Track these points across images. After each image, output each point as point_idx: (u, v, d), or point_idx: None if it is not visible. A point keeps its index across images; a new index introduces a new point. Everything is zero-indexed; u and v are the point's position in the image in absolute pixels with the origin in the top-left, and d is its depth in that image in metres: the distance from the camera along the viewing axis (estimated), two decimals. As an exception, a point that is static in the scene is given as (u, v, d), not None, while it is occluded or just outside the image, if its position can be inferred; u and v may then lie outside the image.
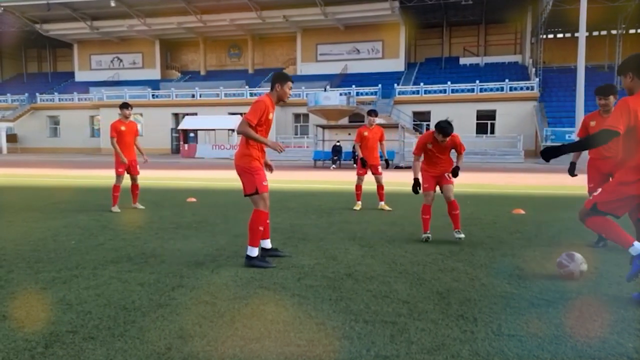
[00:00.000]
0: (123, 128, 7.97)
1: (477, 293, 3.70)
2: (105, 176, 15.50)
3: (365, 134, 8.46)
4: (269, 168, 4.86)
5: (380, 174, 8.52)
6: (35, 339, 2.78)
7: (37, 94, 52.22)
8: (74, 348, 2.68)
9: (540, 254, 4.97)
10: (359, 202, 8.53)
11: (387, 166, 8.76)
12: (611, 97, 5.34)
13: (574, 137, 24.97)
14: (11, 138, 49.20)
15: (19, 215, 7.49)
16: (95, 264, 4.47)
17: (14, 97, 52.14)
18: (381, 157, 8.59)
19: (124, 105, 8.04)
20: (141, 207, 8.28)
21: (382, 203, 8.47)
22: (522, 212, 7.92)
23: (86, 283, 3.88)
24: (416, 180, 5.80)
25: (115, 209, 7.93)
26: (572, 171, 5.99)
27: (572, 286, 3.87)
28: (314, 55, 50.75)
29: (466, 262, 4.66)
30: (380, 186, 8.51)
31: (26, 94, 52.26)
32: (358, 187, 8.61)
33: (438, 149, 5.75)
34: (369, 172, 8.57)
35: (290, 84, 4.66)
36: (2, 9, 48.65)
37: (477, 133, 39.16)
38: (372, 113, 8.42)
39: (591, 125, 5.55)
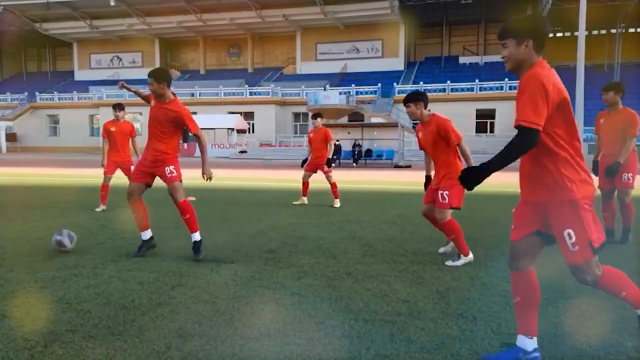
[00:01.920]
0: (113, 129, 7.94)
1: (476, 292, 3.70)
2: (99, 175, 15.43)
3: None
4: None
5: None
6: (34, 338, 2.78)
7: (36, 93, 52.19)
8: (74, 347, 2.68)
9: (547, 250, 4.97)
10: (304, 198, 8.97)
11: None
12: (610, 93, 5.35)
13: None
14: (11, 137, 49.18)
15: (19, 214, 7.49)
16: (94, 263, 4.47)
17: (14, 96, 52.08)
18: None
19: (115, 106, 8.00)
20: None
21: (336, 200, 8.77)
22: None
23: (86, 282, 3.88)
24: (427, 177, 4.98)
25: (100, 208, 7.94)
26: (596, 170, 5.66)
27: (572, 286, 3.87)
28: (313, 55, 50.73)
29: (472, 262, 4.65)
30: (333, 184, 8.81)
31: (26, 93, 52.21)
32: (306, 184, 9.01)
33: (424, 142, 4.73)
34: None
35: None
36: (2, 8, 48.60)
37: (476, 132, 39.17)
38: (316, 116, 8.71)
39: (600, 122, 5.60)
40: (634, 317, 3.23)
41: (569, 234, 2.31)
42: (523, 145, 2.23)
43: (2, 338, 2.79)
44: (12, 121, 49.30)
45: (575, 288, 3.85)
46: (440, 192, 4.50)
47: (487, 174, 2.34)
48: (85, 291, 3.65)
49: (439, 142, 4.57)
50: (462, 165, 4.50)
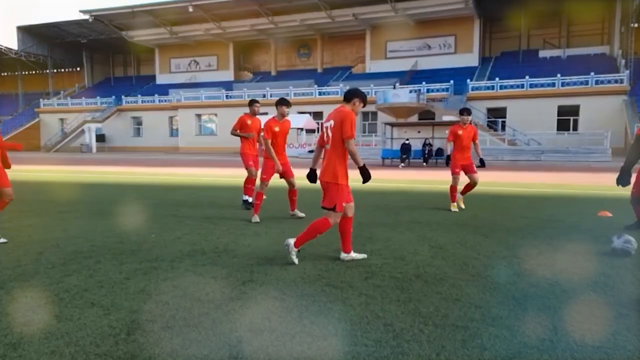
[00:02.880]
0: (277, 129, 7.05)
1: (557, 300, 3.48)
2: (182, 174, 16.30)
3: (460, 132, 8.09)
4: None
5: (476, 172, 8.18)
6: (118, 326, 2.97)
7: (122, 96, 55.93)
8: (153, 336, 2.83)
9: (630, 260, 4.59)
10: (455, 203, 8.15)
11: (482, 165, 8.24)
12: None
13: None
14: (100, 138, 53.07)
15: (105, 209, 8.05)
16: (172, 257, 4.70)
17: (103, 100, 56.23)
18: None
19: (282, 103, 7.05)
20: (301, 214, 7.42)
21: (461, 197, 8.25)
22: (609, 214, 7.36)
23: (164, 275, 4.09)
24: None
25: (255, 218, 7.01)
26: (627, 180, 5.84)
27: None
28: (383, 53, 50.25)
29: (545, 267, 4.40)
30: (471, 184, 8.19)
31: (113, 97, 56.12)
32: (453, 188, 8.18)
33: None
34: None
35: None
36: (92, 17, 52.68)
37: (558, 130, 36.93)
38: (465, 112, 8.06)
39: None
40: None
41: None
42: None
43: (90, 324, 3.00)
44: (101, 123, 53.20)
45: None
46: None
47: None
48: (164, 283, 3.85)
49: None
50: None
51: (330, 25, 50.34)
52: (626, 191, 6.39)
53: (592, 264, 4.55)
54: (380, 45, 50.28)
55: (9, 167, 5.58)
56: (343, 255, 4.68)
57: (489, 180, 8.11)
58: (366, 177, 4.50)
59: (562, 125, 37.46)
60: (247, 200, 8.17)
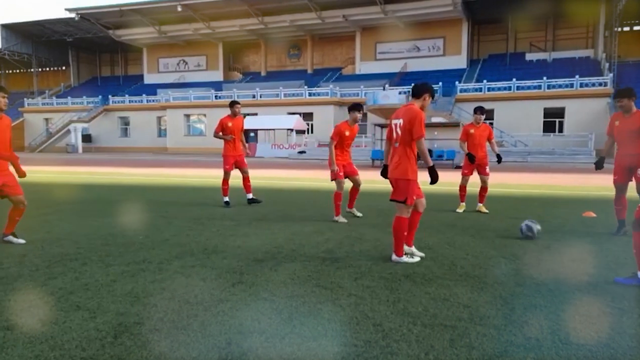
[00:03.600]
0: (347, 133, 7.17)
1: (543, 299, 3.52)
2: (171, 174, 16.20)
3: (472, 131, 8.03)
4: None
5: (488, 174, 8.13)
6: (105, 329, 2.94)
7: (109, 96, 55.36)
8: (141, 339, 2.81)
9: (613, 260, 4.66)
10: (463, 204, 8.15)
11: (499, 161, 8.14)
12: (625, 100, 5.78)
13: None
14: (86, 138, 52.45)
15: (91, 210, 7.97)
16: (160, 259, 4.67)
17: (89, 99, 55.59)
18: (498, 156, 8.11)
19: (357, 107, 7.31)
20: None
21: (480, 205, 8.07)
22: (594, 215, 7.46)
23: (152, 277, 4.06)
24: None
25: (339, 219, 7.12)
26: (601, 165, 6.26)
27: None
28: (373, 54, 50.43)
29: (531, 267, 4.45)
30: (483, 188, 8.08)
31: (100, 97, 55.52)
32: (462, 187, 8.20)
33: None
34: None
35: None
36: (79, 16, 52.14)
37: (544, 132, 37.35)
38: (478, 110, 8.00)
39: (615, 125, 6.03)
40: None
41: None
42: None
43: (76, 328, 2.97)
44: (87, 123, 52.60)
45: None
46: None
47: None
48: (152, 285, 3.82)
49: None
50: None
51: (320, 26, 50.39)
52: (609, 192, 6.52)
53: (577, 263, 4.62)
54: (370, 47, 50.46)
55: (22, 175, 5.36)
56: (406, 248, 4.74)
57: (477, 181, 8.16)
58: (434, 177, 4.51)
59: (548, 127, 37.90)
60: (228, 202, 8.42)
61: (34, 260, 4.58)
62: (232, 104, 8.46)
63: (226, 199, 8.43)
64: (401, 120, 4.54)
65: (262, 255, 4.85)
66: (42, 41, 59.72)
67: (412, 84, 5.17)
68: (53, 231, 6.09)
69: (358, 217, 7.37)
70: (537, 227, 5.65)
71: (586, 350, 2.67)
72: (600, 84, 36.36)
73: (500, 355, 2.61)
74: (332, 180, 7.17)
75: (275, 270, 4.28)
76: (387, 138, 4.87)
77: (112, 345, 2.72)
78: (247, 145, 8.90)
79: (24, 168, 5.36)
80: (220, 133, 8.42)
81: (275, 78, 52.58)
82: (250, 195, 8.61)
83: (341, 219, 6.95)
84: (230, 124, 8.36)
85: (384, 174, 4.86)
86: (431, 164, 4.46)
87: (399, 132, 4.56)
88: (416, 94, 4.64)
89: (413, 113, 4.46)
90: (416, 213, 4.77)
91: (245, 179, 8.53)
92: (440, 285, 3.85)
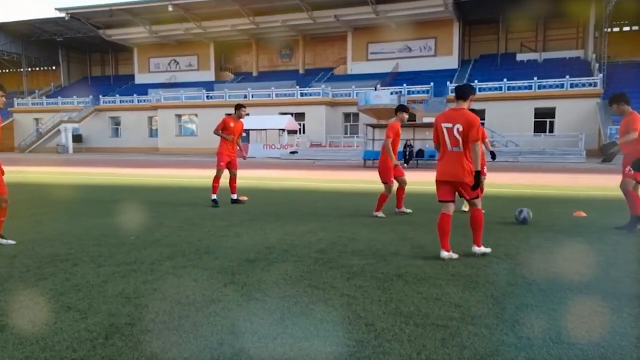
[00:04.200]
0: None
1: (534, 299, 3.54)
2: (162, 175, 16.11)
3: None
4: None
5: (485, 175, 8.20)
6: (96, 330, 2.92)
7: (100, 96, 54.99)
8: (132, 340, 2.79)
9: (604, 260, 4.70)
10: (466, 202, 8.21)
11: (494, 158, 8.26)
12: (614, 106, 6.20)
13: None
14: (77, 138, 52.09)
15: (82, 211, 7.91)
16: (152, 260, 4.64)
17: (80, 100, 55.18)
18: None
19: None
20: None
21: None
22: (584, 215, 7.52)
23: (144, 278, 4.04)
24: None
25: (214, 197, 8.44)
26: (612, 158, 6.40)
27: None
28: (364, 55, 50.54)
29: (523, 266, 4.48)
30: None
31: (90, 97, 55.12)
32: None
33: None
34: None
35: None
36: (69, 16, 51.75)
37: (535, 132, 37.63)
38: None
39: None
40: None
41: None
42: None
43: (67, 329, 2.94)
44: (78, 123, 52.21)
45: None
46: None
47: None
48: (143, 286, 3.80)
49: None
50: None
51: (312, 27, 50.41)
52: (600, 192, 6.57)
53: (568, 263, 4.65)
54: (362, 47, 50.55)
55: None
56: (474, 249, 4.92)
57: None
58: (478, 183, 4.66)
59: (539, 128, 38.21)
60: (216, 200, 8.49)
61: (25, 261, 4.54)
62: (239, 107, 8.77)
63: (214, 197, 8.50)
64: (460, 126, 4.64)
65: (254, 255, 4.84)
66: (32, 41, 59.24)
67: (456, 86, 5.31)
68: (44, 232, 6.04)
69: (408, 214, 7.72)
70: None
71: (577, 349, 2.69)
72: (590, 85, 36.72)
73: (492, 354, 2.62)
74: (386, 183, 7.44)
75: (268, 271, 4.27)
76: (435, 141, 4.95)
77: (103, 346, 2.70)
78: (242, 148, 9.05)
79: (10, 168, 5.29)
80: (221, 131, 8.59)
81: (267, 78, 52.52)
82: (234, 196, 8.83)
83: (381, 214, 7.45)
84: (232, 125, 8.60)
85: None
86: (479, 168, 4.62)
87: (458, 136, 4.65)
88: (463, 96, 4.74)
89: (471, 120, 4.63)
90: (446, 215, 4.95)
91: (233, 179, 8.79)
92: (432, 285, 3.87)
